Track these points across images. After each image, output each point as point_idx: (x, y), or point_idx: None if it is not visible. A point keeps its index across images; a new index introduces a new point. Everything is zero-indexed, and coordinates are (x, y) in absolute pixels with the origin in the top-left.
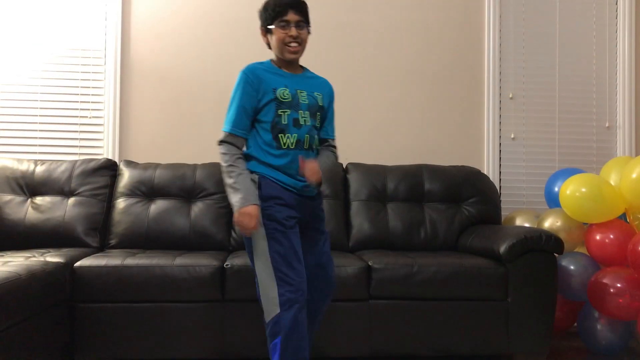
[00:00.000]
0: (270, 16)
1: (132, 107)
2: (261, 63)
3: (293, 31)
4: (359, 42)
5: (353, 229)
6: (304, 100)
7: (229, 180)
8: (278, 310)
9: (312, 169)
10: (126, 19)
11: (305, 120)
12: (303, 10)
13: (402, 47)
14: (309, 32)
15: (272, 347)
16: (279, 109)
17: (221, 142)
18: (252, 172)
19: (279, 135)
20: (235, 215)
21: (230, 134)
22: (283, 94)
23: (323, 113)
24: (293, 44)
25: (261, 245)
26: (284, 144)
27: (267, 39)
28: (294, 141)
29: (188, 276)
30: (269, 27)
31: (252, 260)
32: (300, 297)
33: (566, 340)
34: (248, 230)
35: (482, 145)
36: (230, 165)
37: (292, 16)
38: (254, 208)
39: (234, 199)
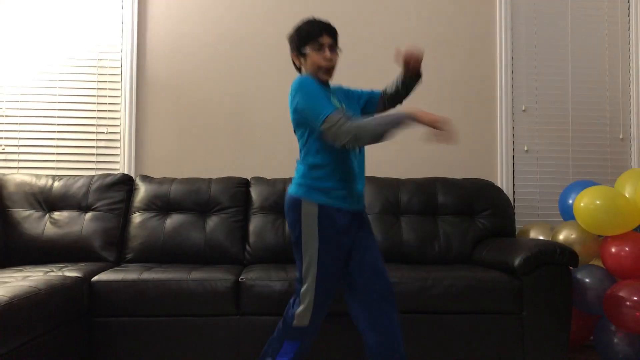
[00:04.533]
0: (303, 40)
1: (148, 122)
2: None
3: (327, 53)
4: (369, 55)
5: None
6: (345, 105)
7: (369, 127)
8: (307, 323)
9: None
10: (142, 36)
11: None
12: (335, 35)
13: None
14: (338, 56)
15: (287, 345)
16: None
17: (328, 128)
18: (308, 201)
19: None
20: (416, 117)
21: (326, 117)
22: (334, 101)
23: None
24: (328, 67)
25: (312, 258)
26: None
27: (300, 62)
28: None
29: (203, 290)
30: (303, 50)
31: (299, 254)
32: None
33: (582, 354)
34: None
35: (496, 158)
36: (355, 130)
37: (325, 39)
38: (415, 109)
39: (392, 123)
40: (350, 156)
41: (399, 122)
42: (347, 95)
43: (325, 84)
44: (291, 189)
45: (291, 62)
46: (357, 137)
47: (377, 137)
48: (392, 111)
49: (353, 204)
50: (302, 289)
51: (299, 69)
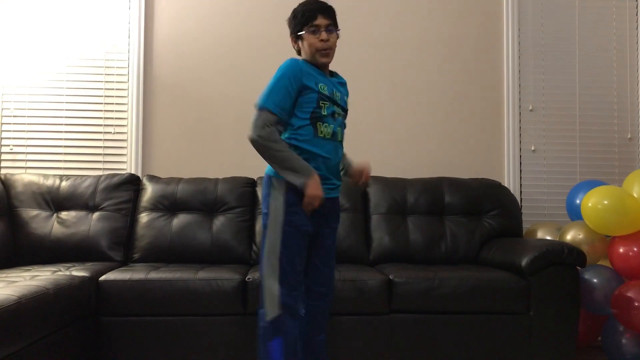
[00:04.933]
0: (299, 22)
1: (154, 123)
2: (302, 61)
3: (323, 35)
4: (377, 57)
5: (373, 243)
6: (338, 98)
7: (275, 159)
8: (279, 312)
9: (367, 172)
10: (149, 36)
11: (339, 114)
12: (332, 15)
13: (421, 61)
14: (337, 36)
15: (271, 347)
16: (321, 100)
17: (257, 118)
18: (278, 178)
19: (317, 123)
20: (307, 194)
21: (265, 110)
22: (323, 88)
23: (345, 113)
24: (324, 48)
25: (273, 242)
26: (321, 132)
27: (298, 46)
28: (331, 132)
29: (210, 290)
30: (299, 33)
31: (263, 236)
32: (297, 303)
33: (590, 354)
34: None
35: (503, 158)
36: (272, 143)
37: (321, 20)
38: (315, 180)
39: (294, 178)
40: (327, 144)
41: (297, 179)
42: (346, 100)
43: (322, 68)
44: (267, 169)
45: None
46: (262, 152)
47: (275, 167)
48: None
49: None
50: (264, 270)
51: (299, 53)
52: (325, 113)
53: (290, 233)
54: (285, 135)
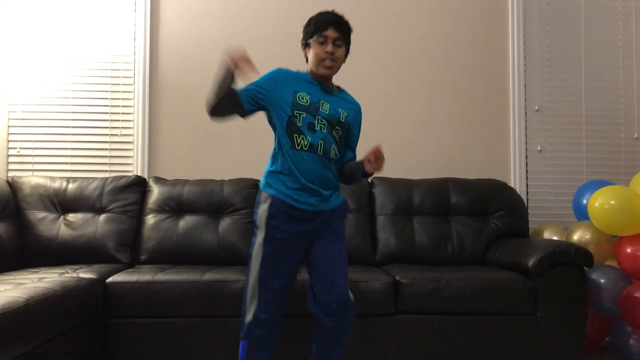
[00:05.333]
0: (310, 31)
1: (160, 124)
2: (297, 71)
3: (329, 47)
4: (383, 57)
5: (379, 244)
6: (325, 110)
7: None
8: (251, 318)
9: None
10: (154, 39)
11: (321, 127)
12: (344, 29)
13: (426, 61)
14: (347, 52)
15: (240, 345)
16: (295, 109)
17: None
18: (264, 190)
19: (294, 135)
20: (225, 60)
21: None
22: (301, 98)
23: (344, 130)
24: (327, 60)
25: (256, 252)
26: (298, 144)
27: (305, 53)
28: (308, 144)
29: (217, 291)
30: (308, 41)
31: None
32: (271, 319)
33: (598, 355)
34: (239, 58)
35: (509, 158)
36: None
37: (331, 33)
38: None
39: (220, 79)
40: (304, 154)
41: (221, 71)
42: (341, 114)
43: (323, 81)
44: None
45: (303, 61)
46: (208, 102)
47: (214, 93)
48: None
49: (311, 205)
50: (247, 281)
51: (306, 60)
52: (300, 124)
53: (270, 251)
54: (274, 146)
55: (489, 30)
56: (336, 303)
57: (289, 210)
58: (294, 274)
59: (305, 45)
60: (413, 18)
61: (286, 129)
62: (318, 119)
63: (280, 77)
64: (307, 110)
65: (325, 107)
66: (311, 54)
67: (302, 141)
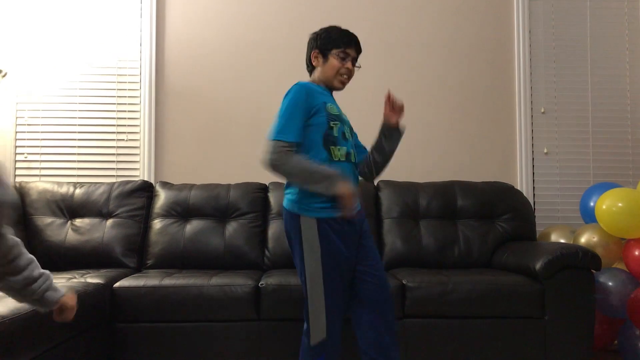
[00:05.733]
0: (332, 42)
1: (167, 129)
2: (309, 82)
3: (349, 65)
4: (388, 60)
5: (386, 247)
6: (345, 117)
7: (299, 176)
8: (324, 336)
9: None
10: (160, 44)
11: (349, 134)
12: (359, 51)
13: (432, 64)
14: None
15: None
16: (331, 121)
17: (269, 149)
18: (306, 217)
19: (331, 147)
20: (339, 190)
21: (277, 141)
22: (331, 108)
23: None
24: (345, 77)
25: (316, 270)
26: (336, 156)
27: (317, 62)
28: (344, 153)
29: (224, 296)
30: (328, 52)
31: (301, 268)
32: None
33: (606, 358)
34: (348, 203)
35: (515, 161)
36: (288, 161)
37: (352, 51)
38: (347, 185)
39: (319, 187)
40: (343, 165)
41: (324, 188)
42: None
43: (330, 91)
44: (286, 203)
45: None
46: (283, 173)
47: (299, 184)
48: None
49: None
50: (310, 307)
51: (310, 69)
52: (337, 134)
53: (331, 270)
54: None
55: (495, 33)
56: None
57: (335, 226)
58: None
59: (323, 53)
60: (418, 22)
61: (323, 142)
62: (345, 127)
63: (309, 94)
64: (339, 119)
65: (344, 114)
66: (328, 65)
67: (338, 152)
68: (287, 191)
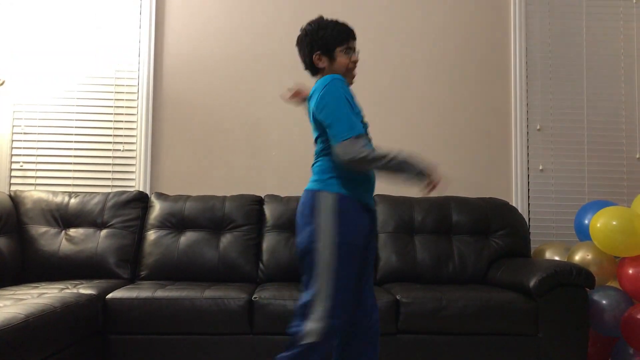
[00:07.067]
0: (333, 40)
1: (163, 140)
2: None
3: (355, 57)
4: (383, 75)
5: (380, 262)
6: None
7: (388, 163)
8: (320, 327)
9: None
10: (158, 55)
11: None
12: (356, 37)
13: (428, 80)
14: None
15: (298, 353)
16: (362, 118)
17: (349, 147)
18: (330, 192)
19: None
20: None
21: (352, 138)
22: (358, 104)
23: None
24: (355, 71)
25: (328, 262)
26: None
27: (323, 63)
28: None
29: (217, 309)
30: (333, 51)
31: (310, 256)
32: (343, 327)
33: None
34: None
35: (510, 177)
36: (375, 155)
37: (353, 44)
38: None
39: (413, 167)
40: None
41: (413, 176)
42: None
43: None
44: (309, 185)
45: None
46: (376, 167)
47: (383, 173)
48: (408, 154)
49: (372, 202)
50: (314, 296)
51: (314, 72)
52: (365, 131)
53: (345, 250)
54: (335, 170)
55: (491, 50)
56: None
57: (360, 209)
58: None
59: (327, 54)
60: (415, 37)
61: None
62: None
63: (344, 85)
64: (363, 115)
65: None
66: (337, 64)
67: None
68: (317, 174)
